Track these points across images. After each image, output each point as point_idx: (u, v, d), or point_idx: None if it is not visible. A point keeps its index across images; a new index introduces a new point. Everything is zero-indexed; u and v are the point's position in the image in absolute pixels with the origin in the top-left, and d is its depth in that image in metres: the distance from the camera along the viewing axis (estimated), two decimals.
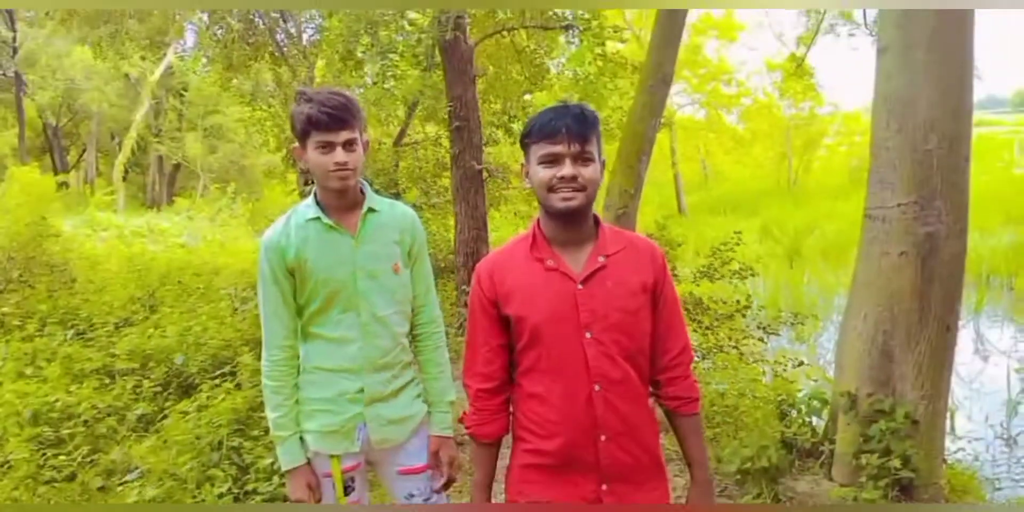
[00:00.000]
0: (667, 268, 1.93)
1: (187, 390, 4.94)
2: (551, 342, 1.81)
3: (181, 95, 25.84)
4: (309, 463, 2.19)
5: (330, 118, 2.01)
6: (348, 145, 2.06)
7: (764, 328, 6.64)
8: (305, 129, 2.04)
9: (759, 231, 17.37)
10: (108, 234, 15.38)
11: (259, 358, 5.18)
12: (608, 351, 1.80)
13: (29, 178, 11.66)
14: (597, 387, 1.80)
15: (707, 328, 6.51)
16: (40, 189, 10.65)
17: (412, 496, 2.26)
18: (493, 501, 2.00)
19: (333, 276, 2.12)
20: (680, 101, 26.03)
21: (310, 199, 2.18)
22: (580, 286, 1.81)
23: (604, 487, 1.83)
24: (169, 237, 15.96)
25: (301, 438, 2.19)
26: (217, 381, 4.60)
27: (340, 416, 2.17)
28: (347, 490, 2.22)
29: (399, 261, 2.20)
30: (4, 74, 26.17)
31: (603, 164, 1.84)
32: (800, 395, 4.30)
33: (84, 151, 30.18)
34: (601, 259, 1.83)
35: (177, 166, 27.51)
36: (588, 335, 1.80)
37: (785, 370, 5.98)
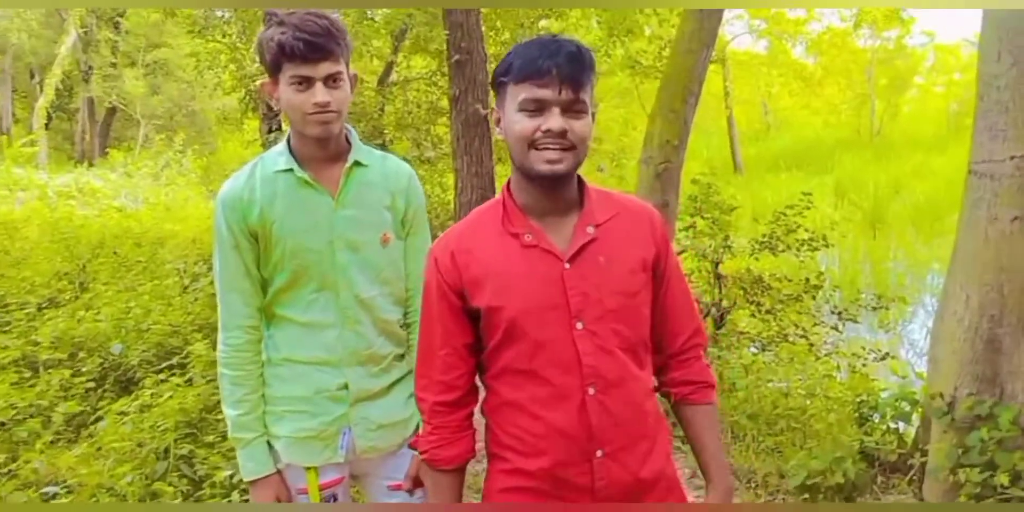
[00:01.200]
0: (668, 237, 1.92)
1: (126, 386, 5.01)
2: (534, 337, 1.77)
3: (116, 24, 25.74)
4: (279, 473, 2.19)
5: (308, 46, 1.98)
6: (331, 80, 2.03)
7: (839, 313, 6.66)
8: (276, 60, 2.01)
9: (833, 192, 17.34)
10: (27, 195, 15.43)
11: (215, 345, 5.24)
12: (605, 344, 1.78)
13: None
14: (592, 390, 1.76)
15: (768, 312, 6.54)
16: None
17: None
18: None
19: (304, 245, 2.11)
20: (735, 30, 25.79)
21: (282, 145, 2.16)
22: (567, 265, 1.77)
23: None
24: (103, 199, 15.99)
25: (269, 443, 2.18)
26: (163, 375, 4.66)
27: (319, 419, 2.16)
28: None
29: (389, 230, 2.19)
30: None
31: (594, 117, 1.80)
32: (884, 395, 4.31)
33: None
34: (590, 230, 1.80)
35: (112, 111, 27.47)
36: (579, 326, 1.76)
37: (865, 365, 6.01)
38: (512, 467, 1.83)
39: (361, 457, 2.22)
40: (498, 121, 1.82)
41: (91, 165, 22.22)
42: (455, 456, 1.88)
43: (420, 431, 1.96)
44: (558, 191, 1.80)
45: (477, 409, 1.93)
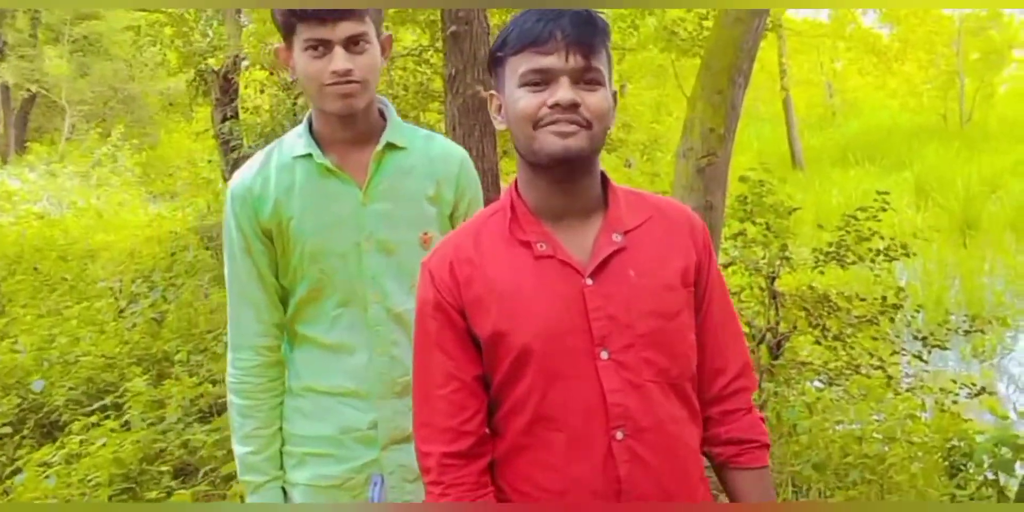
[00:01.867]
0: (711, 246, 1.92)
1: (49, 431, 5.07)
2: (549, 368, 1.78)
3: None
4: None
5: (323, 3, 2.00)
6: (353, 44, 2.03)
7: (923, 339, 6.64)
8: (288, 21, 2.04)
9: (914, 191, 17.34)
10: None
11: (155, 383, 5.24)
12: (636, 378, 1.79)
13: None
14: (619, 434, 1.77)
15: (836, 338, 6.53)
16: None
17: None
18: None
19: (327, 246, 2.14)
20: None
21: (302, 127, 2.17)
22: (589, 280, 1.78)
23: None
24: (19, 203, 16.12)
25: (284, 490, 2.21)
26: (94, 418, 4.71)
27: (345, 464, 2.20)
28: None
29: (432, 228, 2.20)
30: None
31: (615, 97, 1.80)
32: (980, 439, 4.31)
33: None
34: (617, 238, 1.80)
35: (32, 97, 27.67)
36: (604, 355, 1.77)
37: (955, 402, 5.99)
38: None
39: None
40: (498, 108, 1.82)
41: (5, 162, 22.37)
42: None
43: (425, 497, 1.91)
44: (575, 185, 1.80)
45: None
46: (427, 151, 2.23)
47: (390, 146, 2.16)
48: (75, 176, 19.18)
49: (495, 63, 1.81)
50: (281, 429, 2.23)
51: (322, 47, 2.01)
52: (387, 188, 2.16)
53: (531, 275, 1.79)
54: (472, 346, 1.84)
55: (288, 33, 2.06)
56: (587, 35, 1.70)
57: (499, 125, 1.84)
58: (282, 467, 2.22)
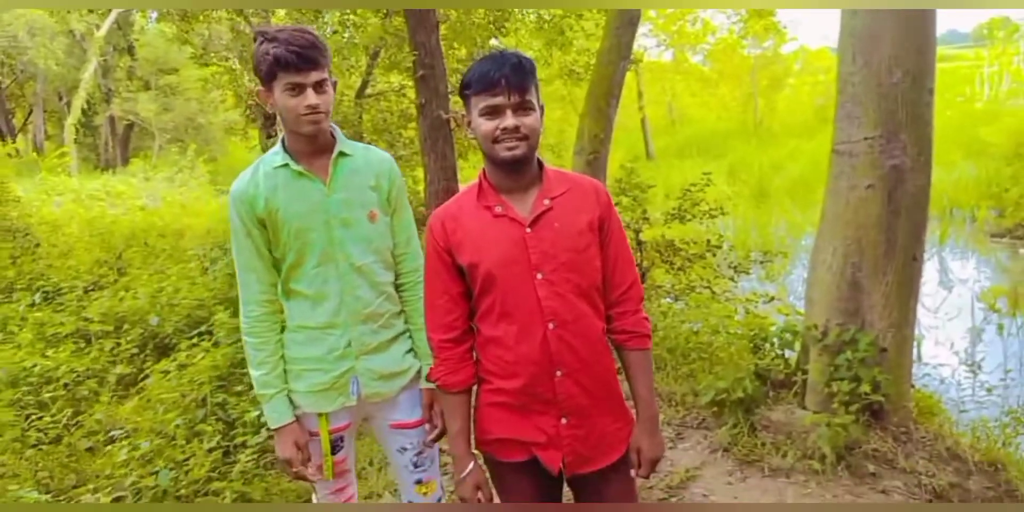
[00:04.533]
0: (612, 205, 1.96)
1: (163, 350, 4.99)
2: (504, 286, 1.85)
3: (130, 52, 25.04)
4: (297, 420, 2.15)
5: (299, 58, 1.93)
6: (319, 86, 1.98)
7: (735, 267, 6.73)
8: (271, 71, 1.95)
9: (726, 173, 17.50)
10: (64, 198, 15.04)
11: (235, 315, 5.20)
12: (560, 290, 1.84)
13: None
14: (551, 326, 1.84)
15: (679, 269, 6.61)
16: None
17: (405, 449, 2.26)
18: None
19: (305, 225, 2.06)
20: (646, 43, 25.81)
21: (278, 146, 2.11)
22: (528, 229, 1.84)
23: (564, 421, 1.89)
24: (127, 199, 15.61)
25: (288, 396, 2.14)
26: (194, 340, 4.64)
27: (331, 373, 2.14)
28: (335, 449, 2.20)
29: (376, 208, 2.14)
30: None
31: (542, 110, 1.86)
32: (772, 329, 4.39)
33: (30, 113, 29.23)
34: (547, 202, 1.87)
35: (130, 126, 26.76)
36: (539, 276, 1.83)
37: (756, 307, 6.11)
38: (495, 387, 1.92)
39: (367, 402, 2.19)
40: (468, 124, 1.87)
41: (115, 172, 21.68)
42: (461, 381, 1.95)
43: (432, 365, 1.99)
44: (520, 172, 1.87)
45: None
46: (367, 156, 2.16)
47: (341, 154, 2.11)
48: (164, 180, 18.60)
49: (463, 96, 1.85)
50: (282, 356, 2.15)
51: (297, 89, 1.96)
52: (343, 183, 2.10)
53: (492, 227, 1.86)
54: (456, 273, 1.92)
55: (270, 79, 1.97)
56: (521, 79, 1.76)
57: (470, 135, 1.89)
58: (286, 381, 2.15)
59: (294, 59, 1.92)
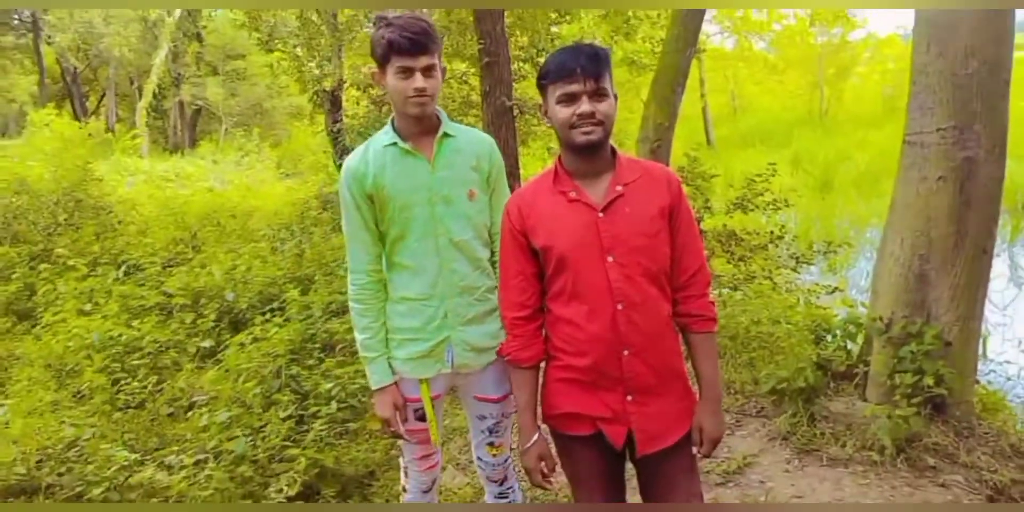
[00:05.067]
0: (683, 193, 2.03)
1: (237, 325, 5.19)
2: (577, 268, 1.93)
3: (199, 39, 25.72)
4: (396, 384, 2.29)
5: (411, 43, 2.03)
6: (427, 71, 2.08)
7: (797, 258, 6.68)
8: (386, 54, 2.07)
9: (790, 162, 17.18)
10: (136, 179, 15.59)
11: (305, 293, 5.38)
12: (630, 273, 1.92)
13: (60, 123, 11.82)
14: (620, 306, 1.92)
15: (740, 259, 6.59)
16: (72, 134, 10.83)
17: (484, 418, 2.40)
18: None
19: (410, 201, 2.18)
20: (709, 29, 25.39)
21: (388, 126, 2.23)
22: (601, 214, 1.93)
23: (629, 398, 1.97)
24: (196, 181, 16.08)
25: (388, 361, 2.27)
26: (267, 316, 4.83)
27: (429, 343, 2.25)
28: (427, 416, 2.33)
29: (475, 187, 2.24)
30: (20, 18, 26.14)
31: (616, 98, 1.94)
32: (835, 320, 4.36)
33: (103, 97, 30.27)
34: (619, 188, 1.95)
35: (198, 110, 27.54)
36: (610, 259, 1.92)
37: (818, 299, 6.07)
38: (564, 364, 2.01)
39: (458, 372, 2.30)
40: (545, 112, 1.97)
41: (183, 155, 22.36)
42: (531, 357, 2.06)
43: (505, 341, 2.10)
44: (594, 158, 1.96)
45: None
46: (469, 137, 2.26)
47: (445, 135, 2.21)
48: (231, 163, 19.14)
49: (540, 86, 1.95)
50: (384, 323, 2.28)
51: (407, 72, 2.07)
52: (446, 162, 2.20)
53: (565, 211, 1.96)
54: (530, 255, 2.02)
55: (384, 62, 2.09)
56: (596, 67, 1.86)
57: (546, 122, 1.99)
58: (387, 347, 2.28)
59: (406, 44, 2.04)
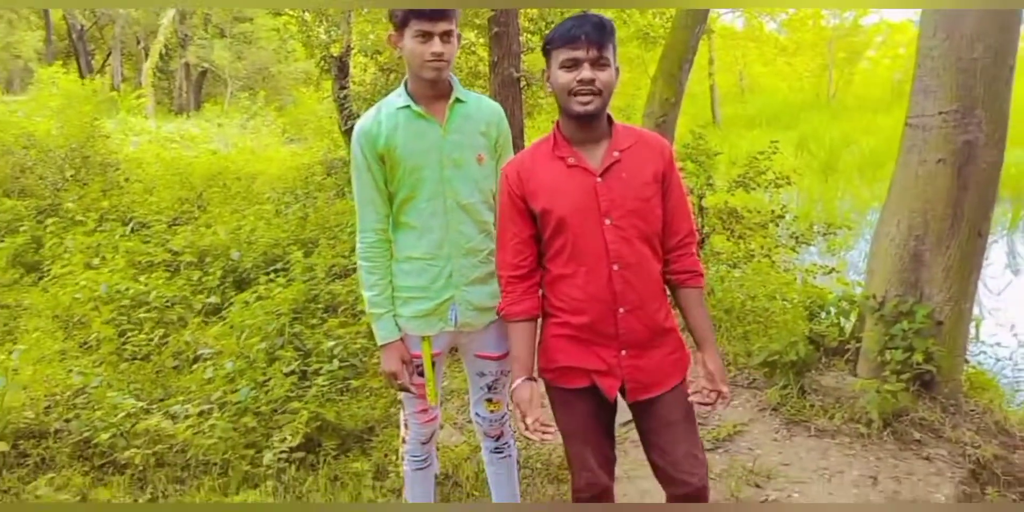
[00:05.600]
0: (674, 160, 2.12)
1: (241, 284, 5.27)
2: (575, 230, 2.00)
3: None
4: (402, 340, 2.35)
5: (431, 9, 2.09)
6: (445, 36, 2.13)
7: (797, 238, 6.70)
8: (405, 18, 2.12)
9: (795, 145, 17.18)
10: (140, 139, 15.58)
11: (308, 255, 5.44)
12: (626, 235, 2.00)
13: (66, 80, 11.80)
14: (616, 267, 2.01)
15: (740, 237, 6.58)
16: (77, 91, 10.82)
17: (483, 375, 2.48)
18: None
19: (420, 163, 2.23)
20: (720, 9, 25.17)
21: (400, 88, 2.27)
22: (599, 179, 2.01)
23: (623, 352, 2.07)
24: (200, 143, 16.08)
25: (394, 318, 2.33)
26: (271, 276, 4.90)
27: (433, 301, 2.31)
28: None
29: (484, 152, 2.30)
30: None
31: (618, 71, 2.00)
32: (830, 298, 4.43)
33: (108, 55, 30.08)
34: (616, 154, 2.03)
35: (203, 73, 27.41)
36: (608, 222, 2.00)
37: (815, 278, 6.11)
38: (562, 321, 2.10)
39: (460, 330, 2.37)
40: (548, 78, 2.02)
41: (188, 116, 22.30)
42: (523, 310, 2.12)
43: (500, 299, 2.16)
44: (592, 125, 2.02)
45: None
46: (479, 104, 2.31)
47: (457, 100, 2.25)
48: (235, 126, 19.09)
49: (545, 52, 2.00)
50: (391, 281, 2.33)
51: (426, 36, 2.11)
52: (457, 126, 2.25)
53: (565, 176, 2.03)
54: (528, 218, 2.08)
55: (402, 25, 2.13)
56: (600, 36, 1.92)
57: (548, 88, 2.04)
58: (394, 304, 2.34)
59: (427, 9, 2.09)
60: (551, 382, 2.18)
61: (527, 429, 2.01)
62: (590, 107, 1.94)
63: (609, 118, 2.06)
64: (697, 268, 2.14)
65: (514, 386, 2.09)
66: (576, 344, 2.09)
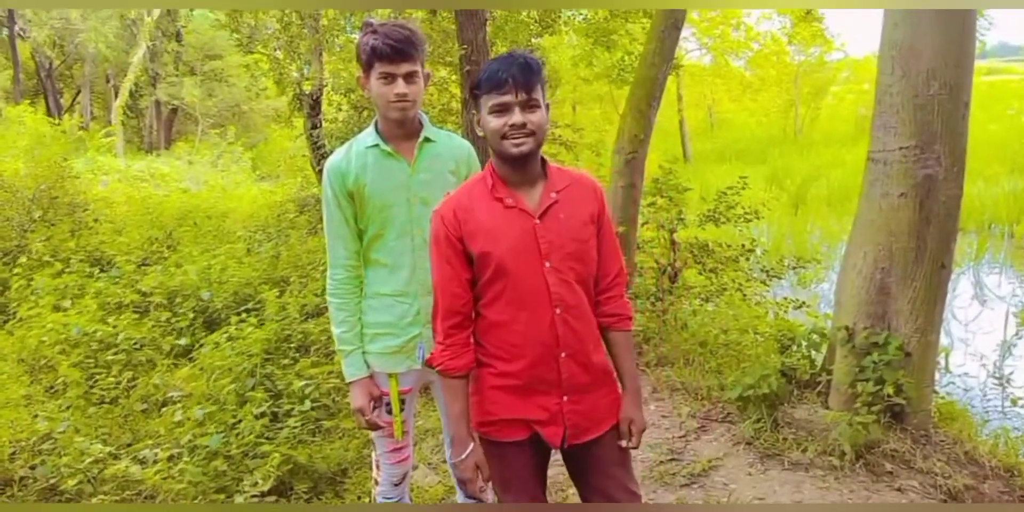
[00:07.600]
0: (605, 200, 2.11)
1: (212, 324, 5.23)
2: (516, 273, 1.95)
3: (178, 38, 25.61)
4: (371, 377, 2.36)
5: (393, 50, 2.12)
6: (409, 77, 2.18)
7: (767, 271, 6.79)
8: (369, 60, 2.17)
9: (765, 179, 17.46)
10: (109, 178, 15.47)
11: (281, 295, 5.41)
12: (566, 277, 1.97)
13: (34, 119, 11.75)
14: (558, 310, 1.97)
15: (711, 271, 6.64)
16: (45, 130, 10.77)
17: None
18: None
19: (389, 201, 2.26)
20: (688, 46, 25.78)
21: (371, 127, 2.31)
22: (538, 221, 1.97)
23: (565, 398, 2.04)
24: (171, 181, 16.05)
25: (363, 355, 2.35)
26: (242, 316, 4.86)
27: (401, 338, 2.34)
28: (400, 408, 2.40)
29: (453, 190, 2.28)
30: None
31: (547, 108, 1.98)
32: (801, 330, 4.48)
33: (77, 93, 29.99)
34: (553, 195, 1.99)
35: (174, 110, 27.38)
36: (548, 264, 1.96)
37: (786, 312, 6.20)
38: (498, 371, 2.04)
39: (428, 368, 2.33)
40: (478, 121, 1.98)
41: (158, 155, 22.21)
42: (464, 365, 2.03)
43: (434, 350, 2.06)
44: (527, 167, 1.98)
45: None
46: (449, 142, 2.34)
47: (426, 139, 2.29)
48: (206, 164, 19.09)
49: (473, 96, 1.97)
50: (360, 318, 2.34)
51: (389, 78, 2.16)
52: (425, 165, 2.28)
53: (503, 218, 1.97)
54: (464, 261, 2.00)
55: (368, 67, 2.18)
56: (528, 78, 1.89)
57: (480, 132, 1.98)
58: (362, 341, 2.34)
59: (388, 51, 2.14)
60: (485, 435, 2.09)
61: (481, 491, 2.01)
62: (524, 148, 1.90)
63: (543, 160, 2.04)
64: (626, 311, 2.13)
65: (461, 457, 2.03)
66: (514, 394, 2.03)
